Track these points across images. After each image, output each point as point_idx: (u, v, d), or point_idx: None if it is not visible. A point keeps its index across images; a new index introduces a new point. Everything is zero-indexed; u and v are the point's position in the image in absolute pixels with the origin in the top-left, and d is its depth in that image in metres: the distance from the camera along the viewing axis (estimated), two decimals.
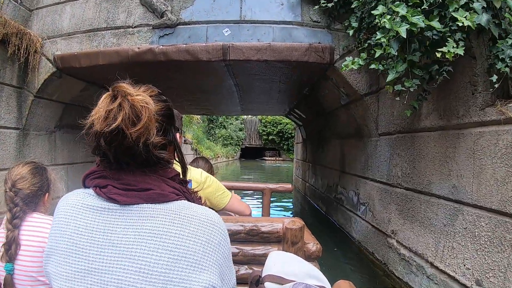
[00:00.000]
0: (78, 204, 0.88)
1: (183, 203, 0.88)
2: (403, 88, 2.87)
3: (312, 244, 2.04)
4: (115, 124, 0.79)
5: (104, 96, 0.84)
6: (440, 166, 3.24)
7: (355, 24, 3.96)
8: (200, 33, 4.65)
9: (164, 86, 6.63)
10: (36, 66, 5.19)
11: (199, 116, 25.97)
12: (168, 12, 4.69)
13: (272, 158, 38.68)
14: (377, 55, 2.95)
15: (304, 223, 2.01)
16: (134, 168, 0.87)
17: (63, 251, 0.85)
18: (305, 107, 8.38)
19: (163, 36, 4.73)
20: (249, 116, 38.33)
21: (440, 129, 3.28)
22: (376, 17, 3.08)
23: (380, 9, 2.90)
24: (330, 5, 4.19)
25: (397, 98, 3.04)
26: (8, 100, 5.10)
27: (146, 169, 0.88)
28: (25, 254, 1.62)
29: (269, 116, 37.13)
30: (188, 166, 1.44)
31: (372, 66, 3.29)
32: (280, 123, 37.24)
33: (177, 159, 1.07)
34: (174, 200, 0.87)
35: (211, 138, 33.52)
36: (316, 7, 4.31)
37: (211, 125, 35.06)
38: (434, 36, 2.83)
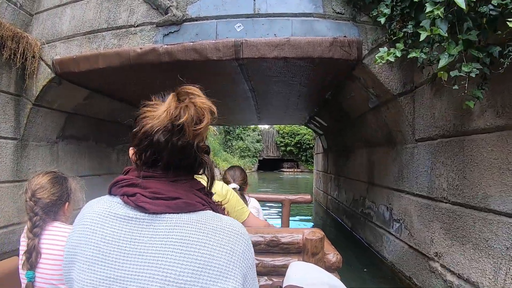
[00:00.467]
0: (105, 213, 0.88)
1: (209, 213, 0.89)
2: (462, 74, 2.29)
3: (332, 255, 2.04)
4: (180, 120, 0.83)
5: (171, 95, 0.88)
6: (501, 175, 2.63)
7: (386, 11, 3.40)
8: (209, 29, 4.17)
9: (171, 91, 6.18)
10: (34, 71, 4.80)
11: (215, 127, 25.68)
12: (173, 8, 4.22)
13: (290, 170, 38.24)
14: (422, 37, 2.38)
15: (324, 233, 2.00)
16: (173, 172, 0.89)
17: (88, 258, 0.85)
18: (327, 113, 7.79)
19: (167, 34, 4.26)
20: (266, 127, 38.02)
21: (498, 129, 2.67)
22: None
23: None
24: None
25: (455, 87, 2.44)
26: (5, 108, 4.72)
27: (179, 178, 0.90)
28: (45, 262, 1.66)
29: (286, 127, 36.75)
30: None
31: (413, 54, 2.74)
32: (298, 134, 36.81)
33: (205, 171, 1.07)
34: (200, 210, 0.88)
35: (228, 150, 33.27)
36: None
37: (228, 136, 34.90)
38: (491, 12, 2.28)
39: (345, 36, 3.88)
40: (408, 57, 2.78)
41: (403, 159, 4.37)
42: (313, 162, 19.60)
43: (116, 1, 4.49)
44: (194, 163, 0.91)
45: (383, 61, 2.86)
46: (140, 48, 4.19)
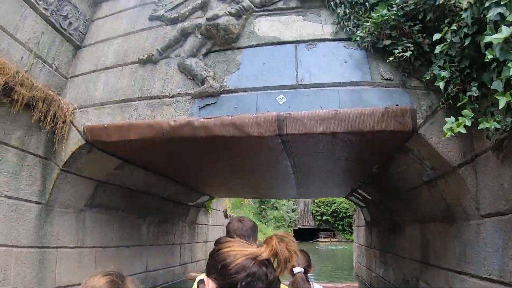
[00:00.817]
0: None
1: None
2: None
3: None
4: (279, 258, 1.03)
5: (274, 237, 1.05)
6: None
7: (444, 74, 3.05)
8: (249, 102, 3.90)
9: (206, 166, 5.80)
10: (64, 136, 4.68)
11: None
12: (209, 78, 4.01)
13: (327, 240, 36.67)
14: (501, 104, 1.99)
15: None
16: None
17: None
18: (372, 187, 7.25)
19: (204, 106, 4.03)
20: None
21: None
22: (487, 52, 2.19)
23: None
24: (407, 54, 3.34)
25: None
26: (31, 170, 4.56)
27: None
28: None
29: None
30: None
31: (485, 125, 2.33)
32: (334, 203, 35.66)
33: None
34: None
35: (262, 220, 32.42)
36: (391, 58, 3.44)
37: (262, 206, 34.14)
38: None
39: (397, 105, 3.52)
40: (479, 128, 2.37)
41: (466, 237, 3.79)
42: (350, 231, 18.56)
43: (151, 69, 4.39)
44: None
45: (453, 134, 2.46)
46: (174, 121, 3.96)
